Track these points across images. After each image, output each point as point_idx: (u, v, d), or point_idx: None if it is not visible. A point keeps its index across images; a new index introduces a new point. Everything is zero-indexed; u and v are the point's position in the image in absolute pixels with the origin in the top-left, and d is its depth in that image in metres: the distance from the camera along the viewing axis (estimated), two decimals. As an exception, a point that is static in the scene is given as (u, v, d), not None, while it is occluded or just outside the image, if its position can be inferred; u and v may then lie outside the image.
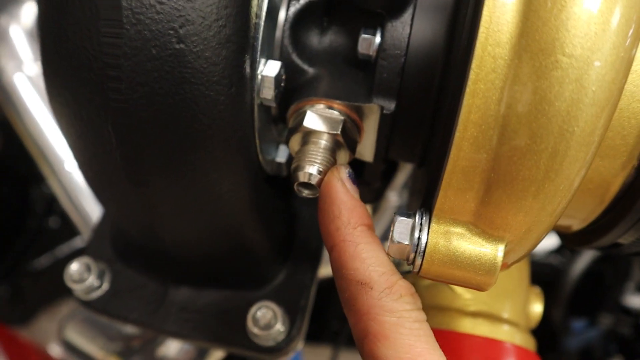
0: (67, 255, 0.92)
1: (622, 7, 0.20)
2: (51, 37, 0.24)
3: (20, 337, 0.98)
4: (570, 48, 0.20)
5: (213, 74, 0.24)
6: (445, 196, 0.23)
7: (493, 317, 0.35)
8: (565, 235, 0.34)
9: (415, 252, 0.25)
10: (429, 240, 0.24)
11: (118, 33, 0.22)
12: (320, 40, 0.31)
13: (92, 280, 0.37)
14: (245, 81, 0.27)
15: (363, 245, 0.26)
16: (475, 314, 0.35)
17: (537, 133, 0.20)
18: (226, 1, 0.24)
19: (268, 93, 0.28)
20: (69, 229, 0.91)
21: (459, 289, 0.36)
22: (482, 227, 0.24)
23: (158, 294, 0.38)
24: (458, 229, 0.24)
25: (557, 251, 0.71)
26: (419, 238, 0.24)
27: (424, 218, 0.25)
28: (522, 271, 0.38)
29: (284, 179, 0.39)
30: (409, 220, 0.25)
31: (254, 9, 0.26)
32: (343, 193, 0.27)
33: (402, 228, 0.25)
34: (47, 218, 0.96)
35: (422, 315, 0.25)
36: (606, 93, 0.20)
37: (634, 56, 0.21)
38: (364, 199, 0.35)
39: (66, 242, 0.93)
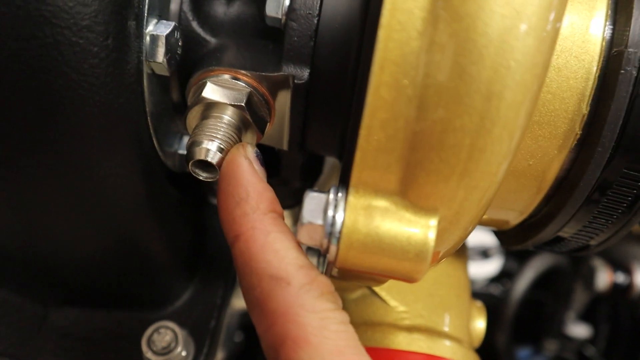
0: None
1: None
2: None
3: None
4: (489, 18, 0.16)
5: (82, 16, 0.20)
6: (363, 160, 0.19)
7: (432, 332, 0.31)
8: (503, 233, 0.31)
9: (330, 234, 0.20)
10: (346, 219, 0.20)
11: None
12: (226, 10, 0.27)
13: (-52, 302, 0.30)
14: (128, 36, 0.22)
15: (275, 234, 0.22)
16: (411, 329, 0.30)
17: (467, 71, 0.17)
18: None
19: (158, 55, 0.23)
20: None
21: (392, 301, 0.31)
22: (410, 198, 0.20)
23: (35, 318, 0.32)
24: (381, 203, 0.20)
25: (497, 280, 0.69)
26: (333, 217, 0.20)
27: (340, 194, 0.20)
28: (461, 282, 0.34)
29: (195, 182, 0.34)
30: (322, 196, 0.21)
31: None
32: (250, 173, 0.23)
33: (313, 205, 0.21)
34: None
35: (345, 316, 0.21)
36: (543, 21, 0.17)
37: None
38: (283, 203, 0.30)
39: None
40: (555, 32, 0.17)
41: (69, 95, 0.21)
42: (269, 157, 0.28)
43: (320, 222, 0.20)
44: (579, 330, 0.68)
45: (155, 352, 0.29)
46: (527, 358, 0.61)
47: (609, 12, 0.23)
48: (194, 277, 0.33)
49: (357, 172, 0.20)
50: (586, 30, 0.22)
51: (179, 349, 0.29)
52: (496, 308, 0.61)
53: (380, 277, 0.22)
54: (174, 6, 0.26)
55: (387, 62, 0.18)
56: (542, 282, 0.58)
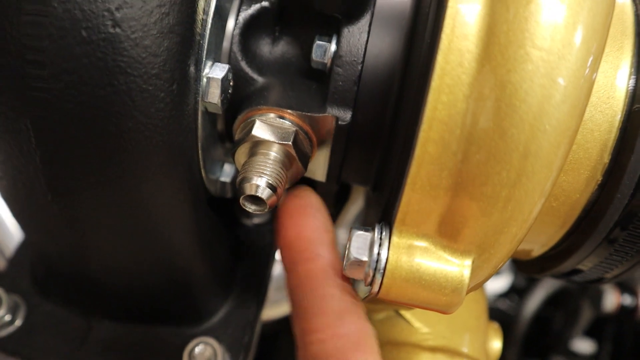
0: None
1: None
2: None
3: None
4: (541, 40, 0.18)
5: (152, 65, 0.22)
6: (407, 205, 0.21)
7: (452, 352, 0.33)
8: (523, 262, 0.33)
9: (375, 269, 0.22)
10: (390, 256, 0.22)
11: (42, 10, 0.20)
12: (271, 49, 0.29)
13: (2, 314, 0.32)
14: (189, 80, 0.24)
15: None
16: (434, 349, 0.32)
17: (507, 132, 0.19)
18: (170, -13, 0.21)
19: (214, 97, 0.26)
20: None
21: (416, 323, 0.33)
22: (448, 240, 0.22)
23: (81, 330, 0.34)
24: (421, 243, 0.22)
25: (505, 295, 0.71)
26: (378, 254, 0.22)
27: (384, 232, 0.22)
28: (480, 305, 0.36)
29: (229, 204, 0.36)
30: (368, 235, 0.23)
31: (202, 2, 0.24)
32: (321, 215, 0.28)
33: (360, 243, 0.23)
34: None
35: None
36: (577, 90, 0.19)
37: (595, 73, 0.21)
38: None
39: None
40: (587, 98, 0.19)
41: (135, 137, 0.23)
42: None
43: (365, 258, 0.22)
44: (584, 346, 0.70)
45: (196, 367, 0.31)
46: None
47: (632, 71, 0.25)
48: (229, 294, 0.35)
49: (401, 215, 0.22)
50: (611, 87, 0.24)
51: (218, 363, 0.31)
52: (505, 323, 0.63)
53: (416, 307, 0.24)
54: (225, 46, 0.28)
55: (435, 121, 0.20)
56: (550, 300, 0.60)
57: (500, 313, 0.69)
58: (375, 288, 0.22)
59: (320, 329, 0.23)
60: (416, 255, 0.22)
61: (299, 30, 0.29)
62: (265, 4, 0.28)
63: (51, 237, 0.29)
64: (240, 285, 0.36)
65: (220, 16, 0.26)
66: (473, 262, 0.22)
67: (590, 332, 0.63)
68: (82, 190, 0.24)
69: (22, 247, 0.37)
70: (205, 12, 0.24)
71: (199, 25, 0.24)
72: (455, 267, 0.22)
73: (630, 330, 0.61)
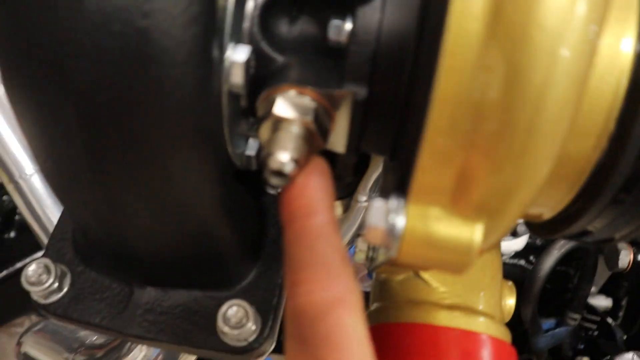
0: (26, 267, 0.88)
1: None
2: (2, 13, 0.23)
3: (-25, 356, 0.93)
4: (543, 19, 0.20)
5: (179, 53, 0.23)
6: (422, 176, 0.23)
7: (469, 310, 0.35)
8: (536, 225, 0.34)
9: (392, 235, 0.24)
10: (407, 224, 0.24)
11: (76, 7, 0.21)
12: (290, 28, 0.30)
13: (51, 282, 0.35)
14: (213, 64, 0.26)
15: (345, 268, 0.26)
16: (451, 307, 0.34)
17: (514, 103, 0.20)
18: (193, -22, 0.23)
19: (237, 78, 0.27)
20: (26, 241, 0.88)
21: (434, 283, 0.35)
22: (459, 208, 0.23)
23: (122, 295, 0.36)
24: (435, 212, 0.24)
25: (522, 253, 0.72)
26: (395, 222, 0.24)
27: (400, 201, 0.24)
28: (494, 265, 0.38)
29: (254, 175, 0.38)
30: (385, 204, 0.24)
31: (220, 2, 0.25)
32: (326, 182, 0.28)
33: (378, 212, 0.24)
34: (6, 230, 0.93)
35: None
36: (578, 65, 0.20)
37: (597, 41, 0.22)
38: (337, 194, 0.34)
39: (25, 254, 0.90)
40: (588, 67, 0.21)
41: (166, 119, 0.25)
42: (325, 157, 0.32)
43: (383, 225, 0.24)
44: (600, 302, 0.72)
45: (230, 327, 0.34)
46: (551, 329, 0.65)
47: (636, 41, 0.26)
48: (257, 259, 0.38)
49: (416, 186, 0.23)
50: (616, 58, 0.25)
51: (249, 324, 0.34)
52: (522, 281, 0.64)
53: (431, 269, 0.26)
54: (245, 26, 0.30)
55: (446, 95, 0.21)
56: (566, 258, 0.62)
57: (520, 269, 0.70)
58: (393, 253, 0.24)
59: (309, 281, 0.24)
60: (430, 222, 0.23)
61: (315, 8, 0.30)
62: (282, -15, 0.30)
63: (91, 213, 0.31)
64: (268, 250, 0.38)
65: (238, 11, 0.27)
66: (484, 226, 0.24)
67: (606, 289, 0.64)
68: (119, 170, 0.26)
69: (63, 220, 0.40)
70: (224, 9, 0.26)
71: (221, 11, 0.25)
72: (466, 231, 0.23)
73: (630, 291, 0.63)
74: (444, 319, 0.34)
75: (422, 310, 0.34)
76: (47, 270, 0.35)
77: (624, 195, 0.28)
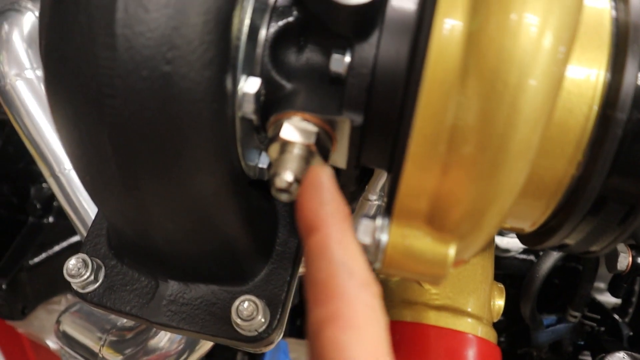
0: (63, 250, 0.95)
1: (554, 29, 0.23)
2: (53, 59, 0.27)
3: (17, 330, 1.00)
4: (512, 55, 0.23)
5: (196, 92, 0.27)
6: (401, 204, 0.26)
7: (457, 311, 0.38)
8: (521, 235, 0.37)
9: (378, 250, 0.28)
10: (389, 241, 0.27)
11: (113, 57, 0.25)
12: (297, 57, 0.34)
13: (88, 274, 0.40)
14: (227, 97, 0.30)
15: (350, 237, 0.25)
16: (440, 308, 0.38)
17: (486, 130, 0.24)
18: (209, 28, 0.27)
19: (248, 108, 0.31)
20: (64, 225, 0.95)
21: (426, 285, 0.39)
22: (435, 229, 0.27)
23: (149, 287, 0.41)
24: (413, 232, 0.27)
25: (524, 251, 0.75)
26: (380, 238, 0.28)
27: (385, 221, 0.28)
28: (485, 269, 0.41)
29: (268, 183, 0.42)
30: (372, 223, 0.28)
31: (235, 33, 0.29)
32: (333, 184, 0.28)
33: (366, 229, 0.28)
34: (46, 215, 0.99)
35: (386, 321, 0.24)
36: (544, 93, 0.23)
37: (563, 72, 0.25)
38: None
39: (62, 238, 0.96)
40: (556, 94, 0.24)
41: (186, 145, 0.29)
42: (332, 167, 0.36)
43: (370, 242, 0.28)
44: (610, 298, 0.74)
45: (242, 319, 0.38)
46: (552, 324, 0.68)
47: (606, 74, 0.29)
48: (269, 258, 0.42)
49: (398, 209, 0.27)
50: (586, 87, 0.28)
51: (259, 317, 0.38)
52: (521, 278, 0.67)
53: (412, 279, 0.30)
54: (257, 57, 0.33)
55: (426, 121, 0.25)
56: (567, 257, 0.64)
57: (528, 265, 0.73)
58: (378, 264, 0.28)
59: (310, 300, 0.24)
60: (409, 240, 0.27)
61: (320, 41, 0.33)
62: (290, 19, 0.33)
63: (123, 219, 0.36)
64: (278, 250, 0.43)
65: (253, 37, 0.31)
66: (457, 245, 0.27)
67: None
68: (147, 186, 0.31)
69: (98, 219, 0.45)
70: (238, 39, 0.29)
71: (234, 51, 0.29)
72: (441, 250, 0.27)
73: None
74: (433, 318, 0.37)
75: (413, 310, 0.38)
76: (85, 264, 0.40)
77: (594, 214, 0.31)
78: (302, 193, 0.28)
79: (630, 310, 0.79)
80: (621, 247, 0.57)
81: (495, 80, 0.24)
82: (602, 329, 0.77)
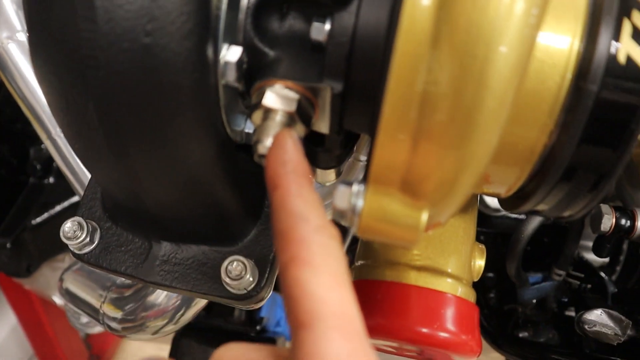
0: (64, 210, 0.97)
1: None
2: (37, 30, 0.28)
3: (24, 286, 1.04)
4: (483, 19, 0.24)
5: (177, 62, 0.28)
6: (376, 170, 0.28)
7: (437, 271, 0.40)
8: (499, 199, 0.39)
9: (353, 215, 0.29)
10: (364, 207, 0.29)
11: (93, 29, 0.26)
12: (280, 25, 0.34)
13: (84, 237, 0.42)
14: (209, 66, 0.30)
15: (307, 190, 0.28)
16: (421, 268, 0.40)
17: (457, 94, 0.25)
18: (187, -1, 0.27)
19: (231, 76, 0.32)
20: (64, 185, 0.96)
21: (408, 246, 0.41)
22: (409, 196, 0.28)
23: (143, 248, 0.43)
24: (388, 198, 0.28)
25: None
26: (356, 204, 0.29)
27: (361, 187, 0.29)
28: (467, 231, 0.43)
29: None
30: (348, 190, 0.29)
31: (215, 2, 0.29)
32: (293, 145, 0.30)
33: (342, 195, 0.29)
34: (46, 175, 1.01)
35: (346, 261, 0.27)
36: (515, 59, 0.24)
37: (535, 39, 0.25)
38: (328, 164, 0.40)
39: (63, 198, 0.98)
40: (527, 61, 0.25)
41: (170, 114, 0.30)
42: (316, 134, 0.37)
43: (346, 207, 0.29)
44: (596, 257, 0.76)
45: (231, 279, 0.40)
46: (537, 282, 0.70)
47: (581, 42, 0.29)
48: (257, 220, 0.43)
49: (373, 176, 0.28)
50: (560, 55, 0.29)
51: (247, 276, 0.40)
52: (509, 237, 0.69)
53: (387, 242, 0.31)
54: (239, 24, 0.34)
55: (398, 86, 0.26)
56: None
57: (510, 227, 0.75)
58: (354, 229, 0.29)
59: (277, 248, 0.27)
60: (383, 206, 0.28)
61: (302, 8, 0.34)
62: (272, -14, 0.33)
63: (114, 183, 0.37)
64: (267, 212, 0.44)
65: (233, 5, 0.32)
66: (429, 212, 0.28)
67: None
68: (136, 154, 0.32)
69: (93, 183, 0.46)
70: (218, 8, 0.30)
71: (214, 19, 0.30)
72: (414, 215, 0.28)
73: (630, 247, 0.66)
74: (413, 278, 0.39)
75: (395, 270, 0.40)
76: (80, 227, 0.42)
77: (566, 181, 0.32)
78: (268, 155, 0.30)
79: (618, 268, 0.81)
80: (605, 208, 0.58)
81: (465, 47, 0.24)
82: (589, 286, 0.80)
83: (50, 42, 0.27)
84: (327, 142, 0.40)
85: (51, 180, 1.00)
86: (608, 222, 0.56)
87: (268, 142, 0.32)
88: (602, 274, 0.79)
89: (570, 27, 0.29)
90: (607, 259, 0.82)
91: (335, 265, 0.25)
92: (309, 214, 0.27)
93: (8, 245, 0.91)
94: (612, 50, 0.28)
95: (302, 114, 0.33)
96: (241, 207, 0.41)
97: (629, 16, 0.28)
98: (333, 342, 0.23)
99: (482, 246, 0.44)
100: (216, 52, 0.31)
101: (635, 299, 0.76)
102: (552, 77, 0.29)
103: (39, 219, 0.94)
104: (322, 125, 0.36)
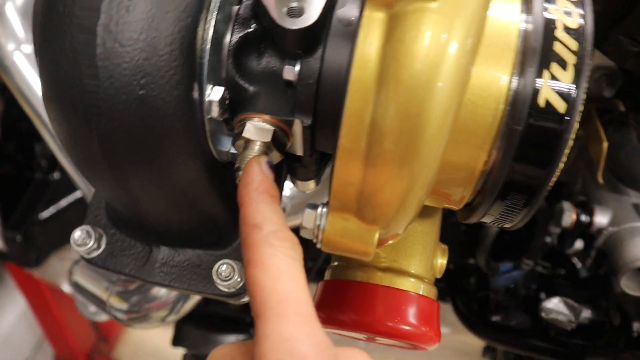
0: (70, 204, 1.03)
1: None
2: (48, 83, 0.33)
3: (34, 276, 1.10)
4: (414, 70, 0.29)
5: (168, 108, 0.33)
6: (334, 195, 0.33)
7: (400, 272, 0.45)
8: (454, 211, 0.44)
9: (318, 232, 0.35)
10: (326, 227, 0.34)
11: (96, 84, 0.31)
12: (258, 62, 0.39)
13: (92, 243, 0.47)
14: (195, 107, 0.36)
15: (263, 204, 0.33)
16: (386, 269, 0.45)
17: (400, 128, 0.30)
18: (174, 56, 0.32)
19: (215, 112, 0.37)
20: (69, 181, 1.02)
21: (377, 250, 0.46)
22: (362, 218, 0.34)
23: (144, 252, 0.49)
24: (345, 220, 0.34)
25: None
26: (320, 224, 0.34)
27: (324, 210, 0.35)
28: (429, 235, 0.48)
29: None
30: (314, 212, 0.35)
31: (199, 52, 0.35)
32: (258, 169, 0.36)
33: (309, 217, 0.35)
34: (52, 171, 1.06)
35: (297, 255, 0.31)
36: (450, 91, 0.29)
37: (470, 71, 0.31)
38: (306, 176, 0.45)
39: (68, 192, 1.03)
40: (461, 95, 0.30)
41: (163, 148, 0.35)
42: (293, 154, 0.42)
43: (311, 227, 0.35)
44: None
45: (221, 279, 0.46)
46: (508, 271, 0.76)
47: (511, 78, 0.34)
48: (244, 227, 0.49)
49: (332, 203, 0.34)
50: (493, 90, 0.34)
51: (236, 276, 0.46)
52: (478, 229, 0.74)
53: (346, 255, 0.37)
54: (222, 63, 0.39)
55: (350, 121, 0.31)
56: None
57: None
58: (319, 244, 0.35)
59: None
60: (342, 227, 0.34)
61: (276, 48, 0.39)
62: (250, 30, 0.38)
63: (115, 199, 0.42)
64: (253, 220, 0.50)
65: (216, 48, 0.37)
66: (380, 231, 0.34)
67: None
68: (135, 180, 0.37)
69: (97, 193, 0.51)
70: (202, 57, 0.35)
71: (199, 69, 0.35)
72: (367, 233, 0.34)
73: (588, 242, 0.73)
74: (380, 278, 0.45)
75: (364, 271, 0.45)
76: (89, 235, 0.47)
77: (502, 199, 0.38)
78: (239, 179, 0.36)
79: (592, 254, 0.86)
80: (567, 205, 0.64)
81: (407, 83, 0.29)
82: (562, 271, 0.85)
83: (59, 93, 0.33)
84: (304, 161, 0.45)
85: (56, 175, 1.05)
86: (569, 218, 0.62)
87: (247, 169, 0.37)
88: (576, 260, 0.85)
89: (502, 65, 0.34)
90: (581, 246, 0.87)
91: (282, 265, 0.30)
92: (262, 223, 0.32)
93: (18, 238, 0.97)
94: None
95: (277, 142, 0.39)
96: (231, 217, 0.47)
97: (548, 68, 0.33)
98: (281, 325, 0.27)
99: (445, 246, 0.50)
100: (201, 93, 0.36)
101: (603, 285, 0.82)
102: (487, 106, 0.34)
103: (46, 213, 1.00)
104: (297, 149, 0.42)
